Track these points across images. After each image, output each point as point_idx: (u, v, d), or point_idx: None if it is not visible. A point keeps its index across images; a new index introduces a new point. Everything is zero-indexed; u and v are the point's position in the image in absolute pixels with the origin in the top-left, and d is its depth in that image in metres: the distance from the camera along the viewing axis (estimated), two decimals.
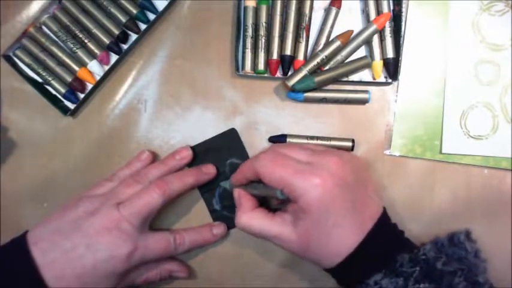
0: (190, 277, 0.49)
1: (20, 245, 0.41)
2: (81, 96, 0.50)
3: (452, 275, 0.38)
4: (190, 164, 0.49)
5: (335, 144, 0.48)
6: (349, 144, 0.48)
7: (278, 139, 0.49)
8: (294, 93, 0.48)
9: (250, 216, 0.42)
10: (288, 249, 0.41)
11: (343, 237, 0.39)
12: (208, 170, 0.48)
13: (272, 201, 0.47)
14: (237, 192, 0.44)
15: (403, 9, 0.48)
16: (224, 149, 0.50)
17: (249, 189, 0.44)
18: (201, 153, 0.50)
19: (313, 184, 0.38)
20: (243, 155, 0.49)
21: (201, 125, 0.50)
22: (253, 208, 0.43)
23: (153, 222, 0.47)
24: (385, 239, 0.40)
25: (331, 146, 0.48)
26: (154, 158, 0.49)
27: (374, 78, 0.49)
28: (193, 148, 0.49)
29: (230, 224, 0.49)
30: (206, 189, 0.49)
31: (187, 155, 0.48)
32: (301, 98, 0.48)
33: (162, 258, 0.46)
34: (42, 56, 0.49)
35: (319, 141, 0.48)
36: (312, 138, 0.48)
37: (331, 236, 0.39)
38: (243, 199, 0.44)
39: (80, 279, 0.40)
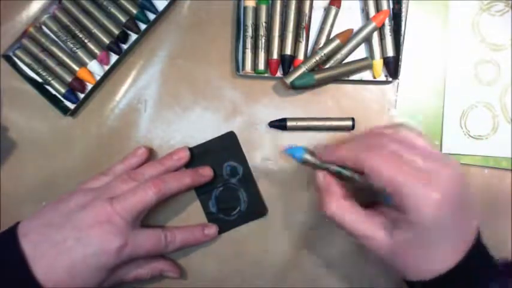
0: (191, 277, 0.49)
1: (10, 237, 0.41)
2: (81, 96, 0.50)
3: None
4: (188, 166, 0.49)
5: (335, 124, 0.48)
6: (350, 123, 0.48)
7: (278, 123, 0.49)
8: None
9: (341, 206, 0.38)
10: (373, 252, 0.38)
11: (444, 255, 0.36)
12: (205, 173, 0.48)
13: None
14: (327, 178, 0.40)
15: (403, 8, 0.48)
16: (222, 152, 0.49)
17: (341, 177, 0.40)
18: (199, 155, 0.49)
19: (431, 199, 0.34)
20: (241, 159, 0.49)
21: (201, 125, 0.50)
22: (344, 197, 0.39)
23: (147, 218, 0.47)
24: (478, 263, 0.38)
25: (331, 126, 0.48)
26: (151, 154, 0.49)
27: (374, 77, 0.49)
28: (191, 149, 0.49)
29: (225, 227, 0.49)
30: (203, 191, 0.49)
31: (185, 155, 0.48)
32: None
33: (153, 256, 0.46)
34: (42, 56, 0.49)
35: (319, 122, 0.48)
36: (312, 119, 0.49)
37: (432, 252, 0.36)
38: (333, 185, 0.39)
39: (69, 272, 0.40)
